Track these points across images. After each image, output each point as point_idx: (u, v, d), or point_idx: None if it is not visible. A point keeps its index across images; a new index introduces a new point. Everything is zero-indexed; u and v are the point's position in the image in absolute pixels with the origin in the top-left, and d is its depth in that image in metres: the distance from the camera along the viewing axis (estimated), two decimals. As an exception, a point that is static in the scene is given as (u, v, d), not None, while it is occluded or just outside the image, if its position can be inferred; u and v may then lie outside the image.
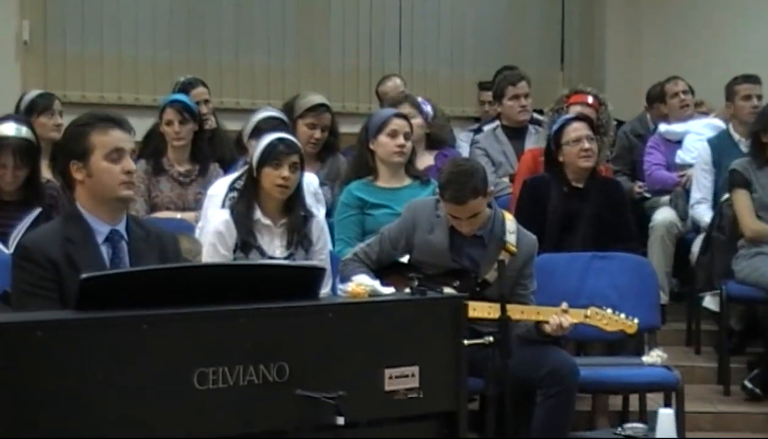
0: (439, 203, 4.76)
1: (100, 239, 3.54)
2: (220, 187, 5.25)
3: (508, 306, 4.06)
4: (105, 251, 3.54)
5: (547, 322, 4.58)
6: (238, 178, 5.14)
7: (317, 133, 6.05)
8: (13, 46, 7.32)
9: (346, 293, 3.16)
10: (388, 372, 3.02)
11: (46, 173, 5.57)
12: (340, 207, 5.50)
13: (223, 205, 5.06)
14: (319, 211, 5.34)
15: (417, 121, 5.96)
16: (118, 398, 2.63)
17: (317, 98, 6.16)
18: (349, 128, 6.67)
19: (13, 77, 7.27)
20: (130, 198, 3.63)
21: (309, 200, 5.09)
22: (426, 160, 6.13)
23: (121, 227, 3.58)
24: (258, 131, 5.13)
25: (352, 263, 4.77)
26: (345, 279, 3.95)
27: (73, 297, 2.82)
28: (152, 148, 6.03)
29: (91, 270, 3.02)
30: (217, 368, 2.75)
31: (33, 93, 6.22)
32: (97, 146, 3.51)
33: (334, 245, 5.33)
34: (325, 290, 4.03)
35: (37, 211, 4.92)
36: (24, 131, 5.05)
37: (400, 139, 5.46)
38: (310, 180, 5.44)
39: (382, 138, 5.48)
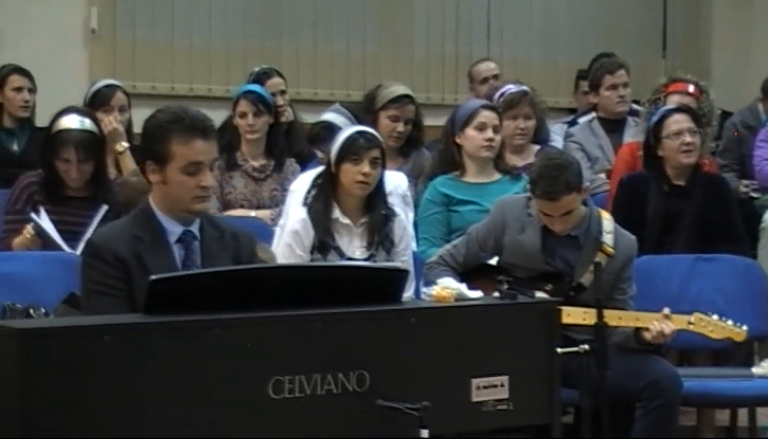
0: (530, 201, 4.74)
1: (172, 239, 3.56)
2: (303, 182, 5.22)
3: (605, 312, 4.03)
4: (177, 251, 3.56)
5: (647, 329, 4.54)
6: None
7: (400, 126, 6.06)
8: (81, 35, 7.43)
9: (431, 297, 3.16)
10: (475, 382, 3.02)
11: (112, 169, 5.66)
12: (424, 204, 5.50)
13: (305, 203, 5.07)
14: (408, 216, 5.35)
15: (531, 123, 5.95)
16: (188, 407, 2.66)
17: (400, 89, 6.16)
18: (433, 121, 6.66)
19: (81, 67, 7.37)
20: (203, 213, 3.63)
21: (397, 203, 5.10)
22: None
23: (195, 227, 3.60)
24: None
25: (436, 266, 4.77)
26: (429, 282, 3.95)
27: (142, 299, 2.86)
28: (225, 142, 6.07)
29: (161, 271, 3.06)
30: (294, 376, 2.77)
31: (99, 84, 6.31)
32: (176, 156, 3.50)
33: (417, 245, 5.34)
34: (407, 294, 4.03)
35: (104, 209, 4.98)
36: (87, 124, 5.10)
37: (489, 133, 5.43)
38: (399, 181, 5.45)
39: (470, 131, 5.46)
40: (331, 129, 5.45)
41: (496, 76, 7.29)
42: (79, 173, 5.04)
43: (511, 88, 6.04)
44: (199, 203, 3.55)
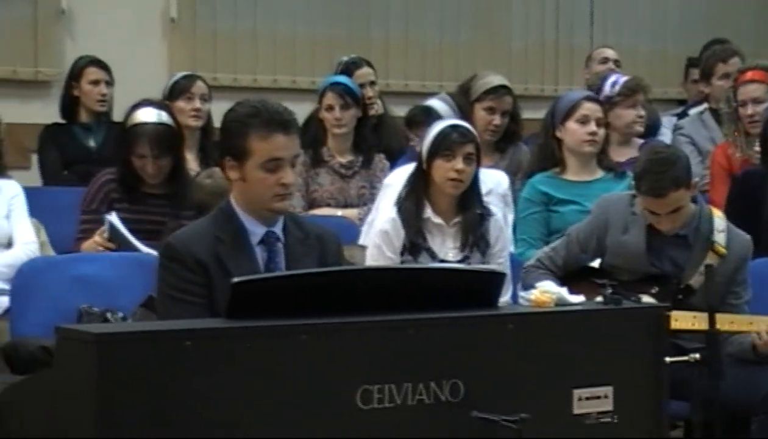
0: (634, 198, 4.70)
1: (254, 241, 3.59)
2: (398, 176, 5.24)
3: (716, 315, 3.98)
4: (259, 253, 3.58)
5: (758, 332, 4.48)
6: None
7: (497, 119, 6.04)
8: (160, 25, 7.50)
9: (529, 301, 3.15)
10: (577, 393, 3.01)
11: (193, 165, 5.71)
12: (522, 203, 5.48)
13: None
14: (507, 218, 5.34)
15: (639, 112, 5.95)
16: (271, 416, 2.69)
17: (497, 79, 6.15)
18: (531, 114, 6.64)
19: (160, 58, 7.44)
20: (284, 211, 3.65)
21: (496, 204, 5.10)
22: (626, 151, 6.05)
23: (278, 228, 3.62)
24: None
25: (534, 270, 4.75)
26: (528, 286, 3.94)
27: (224, 303, 2.89)
28: (310, 137, 6.10)
29: (243, 274, 3.08)
30: (383, 385, 2.78)
31: (179, 75, 6.38)
32: (255, 152, 3.52)
33: (515, 247, 5.33)
34: (504, 298, 4.02)
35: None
36: (163, 117, 5.16)
37: (592, 126, 5.40)
38: (499, 180, 5.45)
39: (571, 125, 5.44)
40: (430, 114, 5.45)
41: (617, 62, 7.25)
42: (156, 169, 5.08)
43: (621, 77, 6.03)
44: (280, 202, 3.57)
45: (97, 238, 4.99)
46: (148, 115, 5.13)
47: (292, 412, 2.71)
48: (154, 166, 5.08)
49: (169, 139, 5.12)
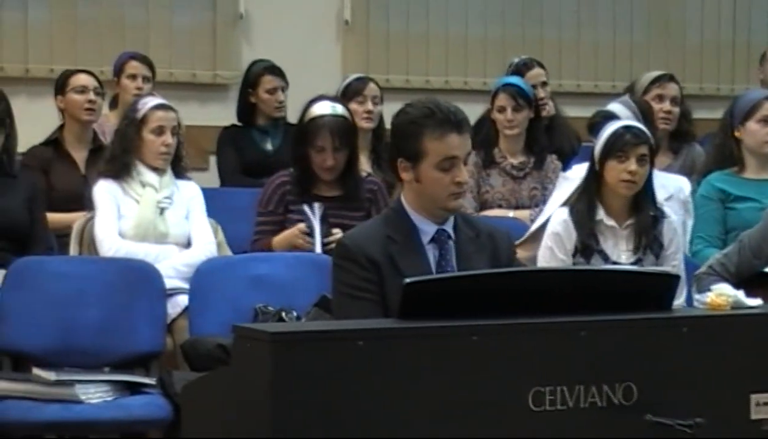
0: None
1: (425, 240, 3.60)
2: (579, 171, 5.18)
3: None
4: (431, 252, 3.60)
5: None
6: None
7: (666, 105, 5.96)
8: (334, 27, 7.59)
9: (704, 304, 3.10)
10: (754, 398, 2.95)
11: (366, 166, 5.75)
12: (698, 201, 5.41)
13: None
14: (686, 224, 5.26)
15: None
16: (442, 416, 2.69)
17: (660, 72, 6.10)
18: (707, 113, 6.54)
19: (334, 60, 7.52)
20: (458, 209, 3.66)
21: (676, 210, 5.03)
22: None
23: (449, 226, 3.63)
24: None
25: (706, 277, 4.65)
26: (703, 289, 3.87)
27: (396, 303, 2.90)
28: (482, 138, 6.10)
29: (414, 273, 3.10)
30: (555, 387, 2.76)
31: (352, 77, 6.44)
32: (430, 153, 3.53)
33: (691, 245, 5.25)
34: (678, 301, 3.97)
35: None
36: (339, 109, 5.21)
37: (774, 127, 5.31)
38: (681, 185, 5.39)
39: (751, 125, 5.35)
40: (612, 118, 5.40)
41: None
42: (335, 162, 5.13)
43: None
44: (455, 200, 3.58)
45: (296, 230, 5.06)
46: (324, 108, 5.19)
47: (463, 413, 2.71)
48: (333, 159, 5.13)
49: (347, 131, 5.17)
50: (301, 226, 5.07)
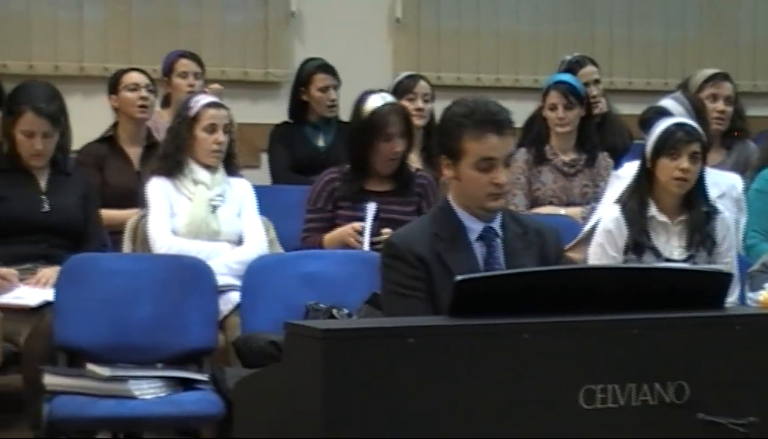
0: None
1: (472, 237, 3.60)
2: (630, 169, 5.14)
3: None
4: (478, 249, 3.60)
5: None
6: None
7: (720, 105, 5.92)
8: (386, 25, 7.59)
9: (758, 302, 3.09)
10: (808, 398, 2.92)
11: (417, 163, 5.76)
12: (752, 195, 5.38)
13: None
14: (740, 222, 5.23)
15: None
16: (493, 413, 2.69)
17: (714, 71, 6.05)
18: (760, 111, 6.48)
19: (385, 58, 7.52)
20: (497, 210, 3.64)
21: (729, 207, 5.00)
22: None
23: (496, 224, 3.63)
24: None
25: (760, 275, 4.62)
26: (756, 287, 3.86)
27: (445, 301, 2.91)
28: (533, 135, 6.09)
29: (462, 270, 3.09)
30: (606, 385, 2.75)
31: (403, 75, 6.44)
32: (468, 152, 3.54)
33: (745, 240, 5.21)
34: (731, 299, 3.94)
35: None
36: (388, 98, 5.31)
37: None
38: (734, 183, 5.35)
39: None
40: (663, 115, 5.37)
41: None
42: (400, 148, 5.16)
43: None
44: (493, 201, 3.57)
45: (350, 229, 5.09)
46: (378, 100, 5.26)
47: (514, 411, 2.71)
48: (402, 148, 5.18)
49: (408, 119, 5.27)
50: (356, 225, 5.08)
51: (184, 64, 6.38)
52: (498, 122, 3.54)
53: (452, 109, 3.63)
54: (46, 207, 5.12)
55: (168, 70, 6.38)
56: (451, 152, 3.58)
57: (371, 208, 5.10)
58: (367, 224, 5.07)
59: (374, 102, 5.23)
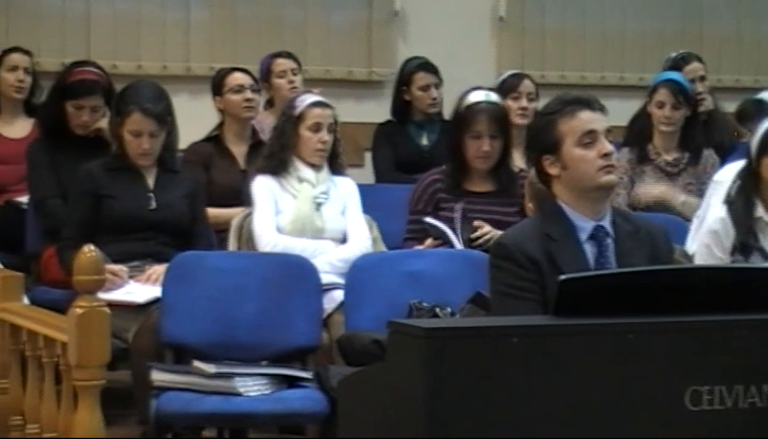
0: None
1: (583, 237, 3.57)
2: (728, 172, 5.09)
3: None
4: (589, 249, 3.57)
5: None
6: None
7: None
8: (489, 24, 7.59)
9: None
10: None
11: (519, 162, 5.74)
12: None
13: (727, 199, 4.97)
14: None
15: None
16: (596, 415, 2.67)
17: None
18: None
19: (488, 57, 7.52)
20: (613, 184, 3.61)
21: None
22: None
23: (606, 223, 3.60)
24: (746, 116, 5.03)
25: None
26: None
27: (552, 300, 2.89)
28: (636, 133, 6.05)
29: (573, 270, 3.08)
30: (713, 386, 2.72)
31: (506, 74, 6.43)
32: (567, 134, 3.53)
33: None
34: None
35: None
36: (493, 97, 5.30)
37: None
38: None
39: None
40: (762, 107, 5.29)
41: None
42: (491, 148, 5.15)
43: None
44: (606, 174, 3.54)
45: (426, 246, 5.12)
46: (479, 96, 5.26)
47: (618, 411, 2.69)
48: (490, 146, 5.14)
49: (503, 118, 5.24)
50: (429, 242, 5.08)
51: (279, 64, 6.43)
52: (587, 100, 3.57)
53: (543, 109, 3.71)
54: (153, 204, 5.18)
55: (266, 73, 6.42)
56: (549, 146, 3.57)
57: (457, 209, 5.09)
58: (456, 226, 5.07)
59: (474, 97, 5.23)
